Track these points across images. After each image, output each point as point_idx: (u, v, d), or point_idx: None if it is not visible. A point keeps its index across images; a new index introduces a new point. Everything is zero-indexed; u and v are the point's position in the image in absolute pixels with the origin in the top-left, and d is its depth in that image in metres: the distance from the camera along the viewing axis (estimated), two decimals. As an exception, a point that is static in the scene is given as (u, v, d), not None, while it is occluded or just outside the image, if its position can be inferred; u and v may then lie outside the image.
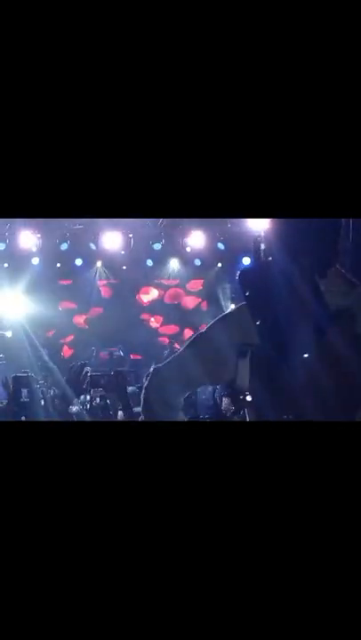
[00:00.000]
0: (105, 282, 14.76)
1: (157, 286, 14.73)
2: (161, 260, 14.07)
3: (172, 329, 14.55)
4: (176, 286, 14.69)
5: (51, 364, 13.18)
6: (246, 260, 11.07)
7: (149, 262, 14.24)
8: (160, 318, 14.88)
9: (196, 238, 13.14)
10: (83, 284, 14.64)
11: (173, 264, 14.21)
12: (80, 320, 14.73)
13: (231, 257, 12.80)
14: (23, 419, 4.05)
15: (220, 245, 13.32)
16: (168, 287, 14.69)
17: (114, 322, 14.12)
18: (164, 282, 14.63)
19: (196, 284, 14.43)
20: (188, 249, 13.58)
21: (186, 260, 13.89)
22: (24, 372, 5.43)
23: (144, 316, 14.90)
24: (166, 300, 14.81)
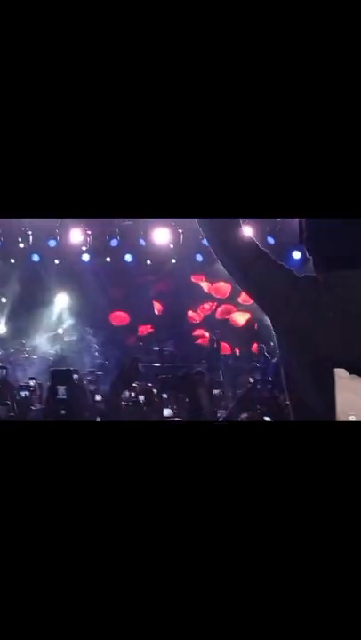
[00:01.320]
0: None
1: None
2: (211, 254, 14.03)
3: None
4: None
5: (100, 360, 13.41)
6: (297, 255, 10.95)
7: (199, 257, 14.26)
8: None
9: (245, 232, 12.96)
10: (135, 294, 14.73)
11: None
12: (132, 339, 14.76)
13: (282, 250, 12.70)
14: (63, 412, 3.99)
15: (270, 239, 13.21)
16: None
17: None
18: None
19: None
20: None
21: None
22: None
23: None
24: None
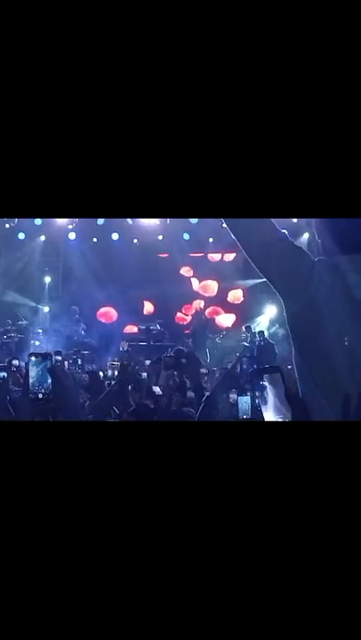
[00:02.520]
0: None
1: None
2: (198, 233, 14.06)
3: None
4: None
5: (88, 340, 13.40)
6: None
7: (186, 236, 14.24)
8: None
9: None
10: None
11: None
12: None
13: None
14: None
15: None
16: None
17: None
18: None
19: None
20: (224, 225, 13.44)
21: (221, 233, 13.85)
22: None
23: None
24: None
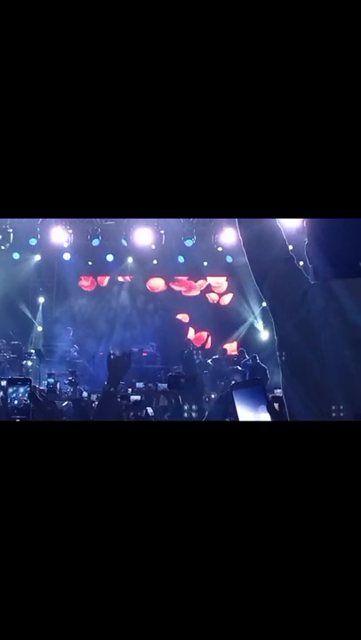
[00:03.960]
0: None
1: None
2: (191, 257, 14.10)
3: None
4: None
5: (80, 360, 13.36)
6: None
7: (181, 259, 14.26)
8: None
9: (228, 235, 12.99)
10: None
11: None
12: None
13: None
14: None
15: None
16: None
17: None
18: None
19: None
20: (219, 248, 13.57)
21: (217, 257, 13.90)
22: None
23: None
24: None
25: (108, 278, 15.12)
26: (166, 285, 15.17)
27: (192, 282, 15.23)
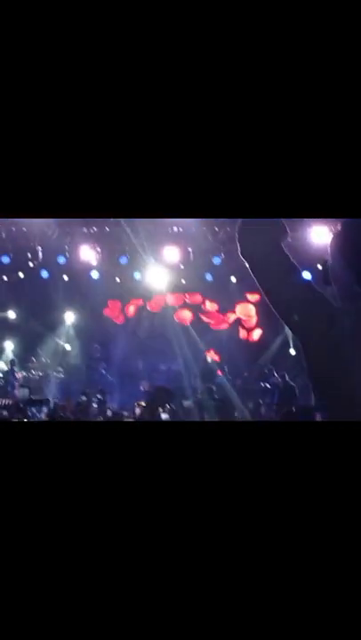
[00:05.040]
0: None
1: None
2: (220, 274, 14.09)
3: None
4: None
5: (110, 378, 13.43)
6: (307, 275, 10.92)
7: (209, 277, 14.26)
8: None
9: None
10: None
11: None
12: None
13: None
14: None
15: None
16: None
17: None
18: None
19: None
20: (247, 264, 13.46)
21: (245, 273, 13.74)
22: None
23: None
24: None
25: (134, 307, 15.04)
26: (194, 317, 15.07)
27: (221, 315, 15.04)
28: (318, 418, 1.88)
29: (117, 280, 14.76)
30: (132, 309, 14.69)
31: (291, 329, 1.88)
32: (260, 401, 11.31)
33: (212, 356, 14.51)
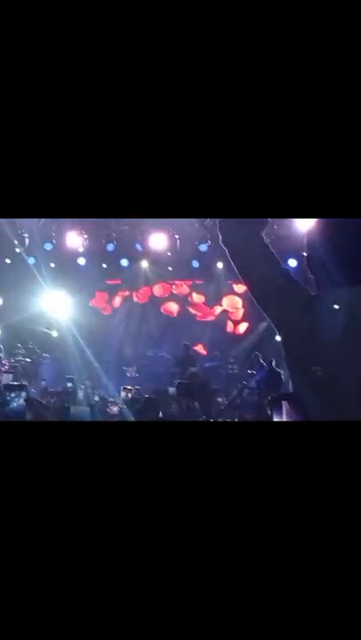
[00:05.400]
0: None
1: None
2: (206, 261, 14.07)
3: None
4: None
5: (95, 364, 13.38)
6: (292, 262, 10.96)
7: (195, 264, 14.26)
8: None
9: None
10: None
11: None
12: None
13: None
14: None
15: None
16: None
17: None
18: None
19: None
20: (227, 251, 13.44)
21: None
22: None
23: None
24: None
25: (121, 298, 14.96)
26: (181, 309, 15.07)
27: (208, 307, 15.08)
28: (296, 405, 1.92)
29: (104, 266, 14.72)
30: (118, 300, 14.67)
31: (268, 315, 1.91)
32: (244, 382, 11.35)
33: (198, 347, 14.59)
